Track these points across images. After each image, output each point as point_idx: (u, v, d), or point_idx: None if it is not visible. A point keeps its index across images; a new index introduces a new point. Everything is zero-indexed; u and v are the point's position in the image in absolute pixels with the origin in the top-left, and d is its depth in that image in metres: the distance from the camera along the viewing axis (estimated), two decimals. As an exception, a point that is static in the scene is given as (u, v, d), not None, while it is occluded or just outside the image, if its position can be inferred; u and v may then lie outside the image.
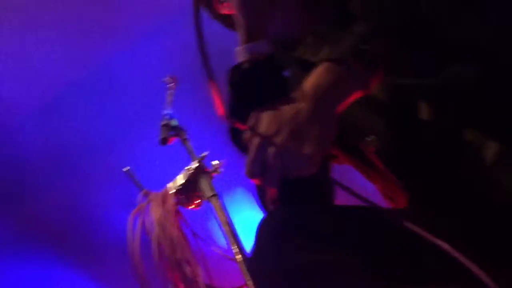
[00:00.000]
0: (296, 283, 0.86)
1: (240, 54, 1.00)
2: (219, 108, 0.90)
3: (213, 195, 1.35)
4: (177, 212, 1.36)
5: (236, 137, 1.03)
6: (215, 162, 1.42)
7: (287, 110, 0.91)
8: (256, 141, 0.91)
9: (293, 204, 0.96)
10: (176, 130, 1.51)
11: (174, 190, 1.37)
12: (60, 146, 3.16)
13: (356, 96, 0.94)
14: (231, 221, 1.33)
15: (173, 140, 1.48)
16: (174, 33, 3.18)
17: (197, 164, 1.39)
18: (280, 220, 0.93)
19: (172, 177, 1.47)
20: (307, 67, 1.01)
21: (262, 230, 0.92)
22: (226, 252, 1.39)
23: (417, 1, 0.89)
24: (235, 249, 1.26)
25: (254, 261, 0.93)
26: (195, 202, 1.40)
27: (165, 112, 1.54)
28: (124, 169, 1.40)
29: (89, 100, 3.22)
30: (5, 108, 3.11)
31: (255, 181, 0.94)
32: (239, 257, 1.23)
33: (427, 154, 1.03)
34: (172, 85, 1.70)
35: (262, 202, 1.02)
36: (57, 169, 3.18)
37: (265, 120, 0.91)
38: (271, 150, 0.89)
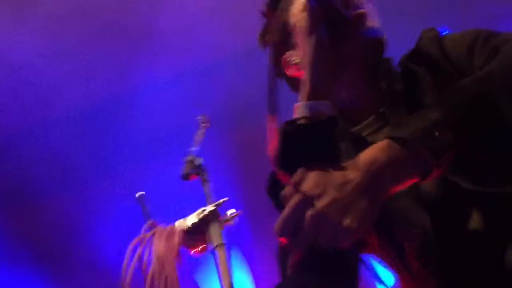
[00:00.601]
0: None
1: (298, 109, 0.98)
2: (272, 150, 0.85)
3: (221, 245, 1.28)
4: (178, 254, 1.29)
5: (273, 188, 0.98)
6: (231, 212, 1.36)
7: (336, 176, 0.86)
8: (296, 198, 0.86)
9: (314, 275, 0.89)
10: (199, 169, 1.45)
11: (182, 229, 1.30)
12: (70, 162, 3.13)
13: (411, 181, 0.89)
14: (232, 275, 1.25)
15: (194, 178, 1.42)
16: (208, 73, 3.21)
17: (213, 209, 1.33)
18: None
19: (180, 213, 1.42)
20: (361, 144, 0.97)
21: None
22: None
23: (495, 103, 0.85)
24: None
25: None
26: (200, 247, 1.33)
27: (192, 149, 1.50)
28: (137, 194, 1.34)
29: (109, 122, 3.21)
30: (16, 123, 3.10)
31: (282, 240, 0.88)
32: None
33: (469, 264, 0.96)
34: (204, 124, 1.67)
35: (281, 264, 0.95)
36: (63, 186, 3.13)
37: (311, 180, 0.86)
38: (309, 212, 0.84)
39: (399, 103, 1.07)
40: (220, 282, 1.26)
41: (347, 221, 0.80)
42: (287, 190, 0.87)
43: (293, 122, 0.97)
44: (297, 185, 0.85)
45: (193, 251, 1.32)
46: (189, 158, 1.45)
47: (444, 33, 1.16)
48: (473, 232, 0.93)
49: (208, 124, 1.67)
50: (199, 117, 1.70)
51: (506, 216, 0.90)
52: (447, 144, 0.83)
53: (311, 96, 0.96)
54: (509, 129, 0.83)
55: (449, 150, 0.84)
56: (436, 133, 0.83)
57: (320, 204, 0.82)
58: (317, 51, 0.99)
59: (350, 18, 1.06)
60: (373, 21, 1.16)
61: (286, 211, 0.84)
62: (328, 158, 0.91)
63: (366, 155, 0.86)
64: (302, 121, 0.95)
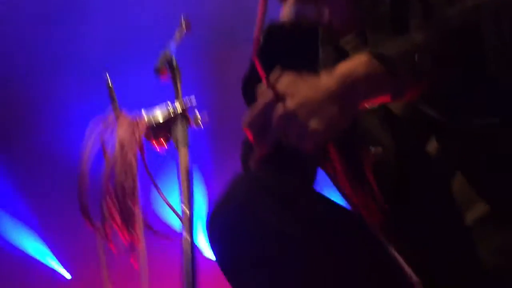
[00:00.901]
0: (254, 248, 0.80)
1: (285, 12, 0.98)
2: (255, 43, 0.84)
3: (185, 145, 1.27)
4: (141, 143, 1.27)
5: (248, 87, 0.99)
6: (199, 114, 1.34)
7: (312, 80, 0.87)
8: (268, 95, 0.86)
9: (274, 172, 0.90)
10: (172, 68, 1.42)
11: (147, 122, 1.28)
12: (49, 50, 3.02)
13: (386, 99, 0.90)
14: (192, 176, 1.25)
15: (166, 75, 1.39)
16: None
17: (182, 108, 1.30)
18: (258, 181, 0.87)
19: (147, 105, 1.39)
20: (342, 55, 0.97)
21: (236, 186, 0.87)
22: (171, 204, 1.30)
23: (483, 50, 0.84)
24: (185, 203, 1.18)
25: (219, 212, 0.86)
26: (161, 142, 1.32)
27: (169, 46, 1.45)
28: (106, 76, 1.30)
29: (82, 13, 3.08)
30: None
31: (248, 134, 0.88)
32: (186, 212, 1.15)
33: (419, 187, 1.00)
34: (183, 27, 1.61)
35: (244, 157, 0.96)
36: (31, 72, 3.02)
37: (287, 80, 0.86)
38: (278, 110, 0.84)
39: (383, 25, 1.07)
40: (179, 181, 1.25)
41: (313, 123, 0.81)
42: (261, 86, 0.87)
43: (276, 24, 0.97)
44: (272, 84, 0.85)
45: (154, 143, 1.30)
46: (164, 54, 1.41)
47: None
48: (427, 156, 0.95)
49: (188, 27, 1.62)
50: (182, 17, 1.64)
51: (461, 148, 0.93)
52: (426, 69, 0.83)
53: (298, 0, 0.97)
54: (489, 64, 0.83)
55: (427, 75, 0.84)
56: (416, 56, 0.83)
57: (290, 103, 0.82)
58: None
59: None
60: None
61: (256, 106, 0.85)
62: (307, 62, 0.92)
63: (345, 66, 0.87)
64: (285, 23, 0.95)
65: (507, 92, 0.84)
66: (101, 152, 1.23)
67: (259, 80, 0.90)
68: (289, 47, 0.97)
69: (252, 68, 1.01)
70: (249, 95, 0.96)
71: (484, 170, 0.94)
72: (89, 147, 1.18)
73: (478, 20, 0.83)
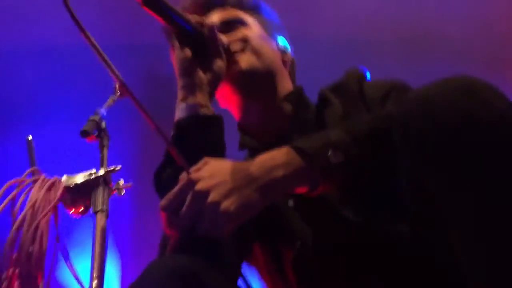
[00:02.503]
0: None
1: (178, 109, 1.07)
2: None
3: (103, 211, 1.22)
4: (55, 208, 1.21)
5: (160, 174, 1.01)
6: (123, 182, 1.30)
7: (233, 166, 0.89)
8: (187, 179, 0.87)
9: (188, 258, 0.88)
10: (100, 132, 1.38)
11: (66, 185, 1.22)
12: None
13: (303, 189, 0.93)
14: (106, 245, 1.19)
15: (93, 140, 1.35)
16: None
17: (105, 173, 1.26)
18: (169, 267, 0.85)
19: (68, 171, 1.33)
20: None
21: (148, 272, 0.84)
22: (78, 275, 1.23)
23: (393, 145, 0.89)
24: (95, 274, 1.11)
25: None
26: (79, 209, 1.26)
27: (100, 110, 1.42)
28: (28, 137, 1.25)
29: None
30: None
31: (162, 217, 0.88)
32: (95, 283, 1.09)
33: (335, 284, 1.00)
34: (119, 92, 1.60)
35: (162, 245, 0.95)
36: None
37: (208, 166, 0.88)
38: (193, 190, 0.84)
39: (308, 128, 1.13)
40: (93, 248, 1.19)
41: (226, 204, 0.81)
42: (183, 174, 0.88)
43: (176, 123, 1.04)
44: (193, 169, 0.87)
45: (72, 210, 1.24)
46: (94, 117, 1.38)
47: (366, 74, 1.25)
48: (346, 256, 0.97)
49: (122, 93, 1.61)
50: (115, 84, 1.63)
51: (373, 253, 0.95)
52: (337, 165, 0.88)
53: (184, 99, 1.03)
54: (396, 169, 0.88)
55: (338, 170, 0.88)
56: (330, 151, 0.87)
57: (206, 183, 0.82)
58: (181, 65, 1.08)
59: (203, 33, 1.12)
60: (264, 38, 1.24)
61: (174, 189, 0.85)
62: (213, 149, 0.96)
63: (266, 154, 0.90)
64: (180, 122, 1.02)
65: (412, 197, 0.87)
66: (12, 212, 1.15)
67: (172, 169, 0.93)
68: (192, 138, 1.03)
69: (166, 158, 1.03)
70: (161, 184, 0.98)
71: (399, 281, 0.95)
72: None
73: (388, 127, 0.89)
